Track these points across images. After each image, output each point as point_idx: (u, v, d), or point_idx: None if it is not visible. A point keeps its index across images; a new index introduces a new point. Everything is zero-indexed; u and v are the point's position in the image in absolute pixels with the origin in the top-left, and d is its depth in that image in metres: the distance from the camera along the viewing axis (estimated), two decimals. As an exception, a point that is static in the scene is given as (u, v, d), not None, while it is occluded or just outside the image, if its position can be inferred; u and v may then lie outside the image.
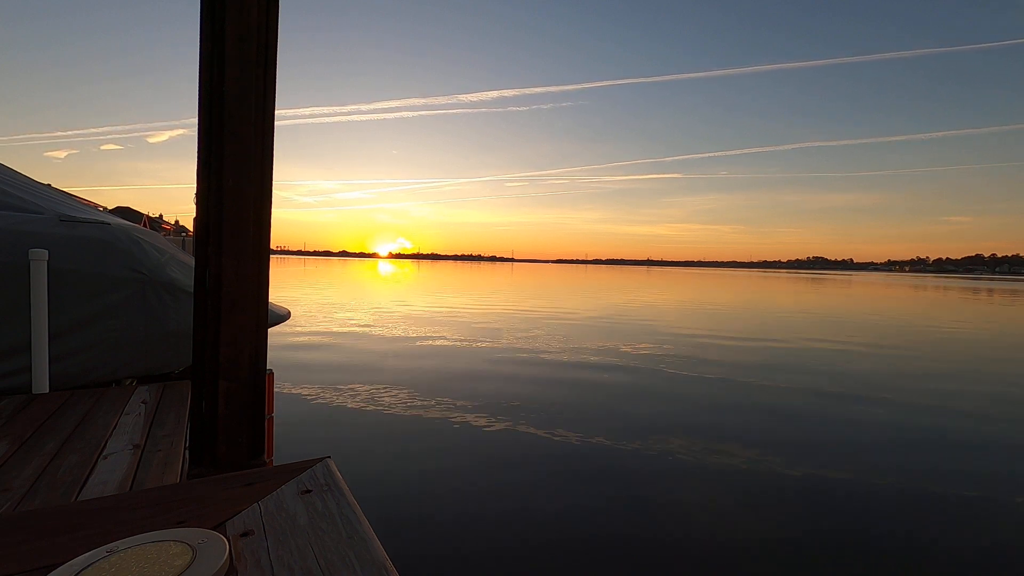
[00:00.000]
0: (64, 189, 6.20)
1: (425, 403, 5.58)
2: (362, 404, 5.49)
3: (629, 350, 9.43)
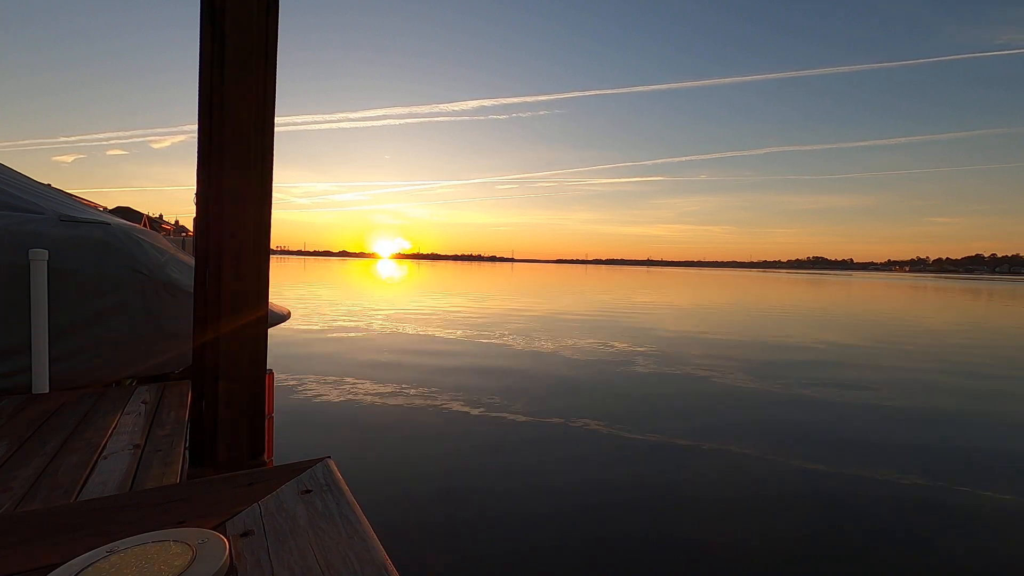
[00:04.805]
0: (71, 191, 6.20)
1: (427, 402, 5.58)
2: (363, 404, 5.49)
3: (664, 355, 9.43)
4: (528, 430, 4.81)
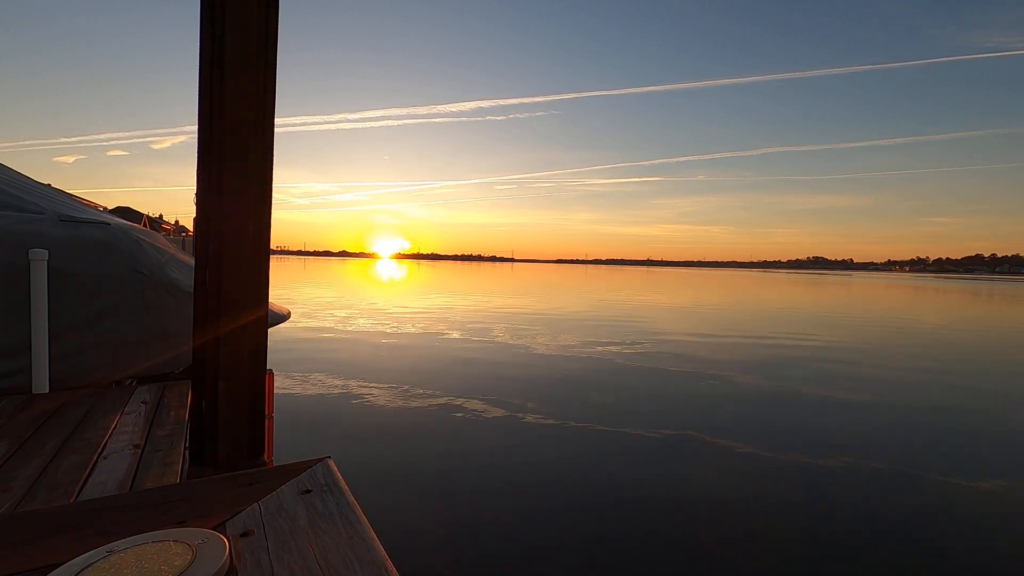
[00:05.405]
0: (72, 192, 6.20)
1: (427, 402, 5.59)
2: (363, 403, 5.50)
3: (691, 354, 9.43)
4: (530, 429, 4.81)
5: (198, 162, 1.64)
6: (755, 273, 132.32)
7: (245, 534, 1.14)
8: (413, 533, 2.98)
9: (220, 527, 1.17)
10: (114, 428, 2.17)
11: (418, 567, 2.66)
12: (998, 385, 7.43)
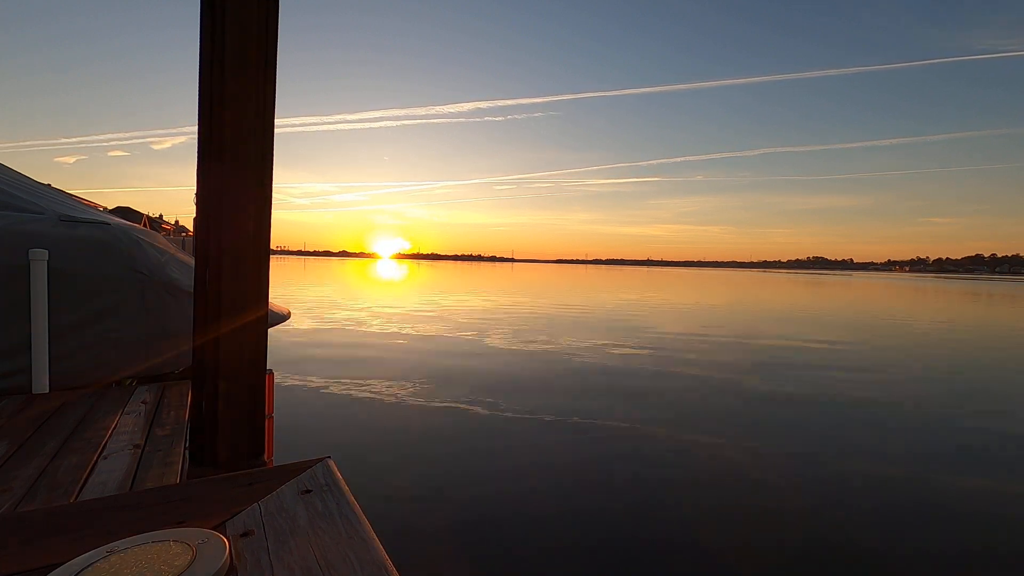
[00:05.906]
0: (72, 192, 6.19)
1: (428, 402, 5.58)
2: (363, 403, 5.49)
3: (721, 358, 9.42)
4: (533, 430, 4.80)
5: (198, 162, 1.64)
6: (755, 273, 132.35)
7: (245, 534, 1.14)
8: (413, 533, 2.98)
9: (220, 527, 1.17)
10: (114, 428, 2.17)
11: (418, 567, 2.66)
12: (998, 385, 7.43)
